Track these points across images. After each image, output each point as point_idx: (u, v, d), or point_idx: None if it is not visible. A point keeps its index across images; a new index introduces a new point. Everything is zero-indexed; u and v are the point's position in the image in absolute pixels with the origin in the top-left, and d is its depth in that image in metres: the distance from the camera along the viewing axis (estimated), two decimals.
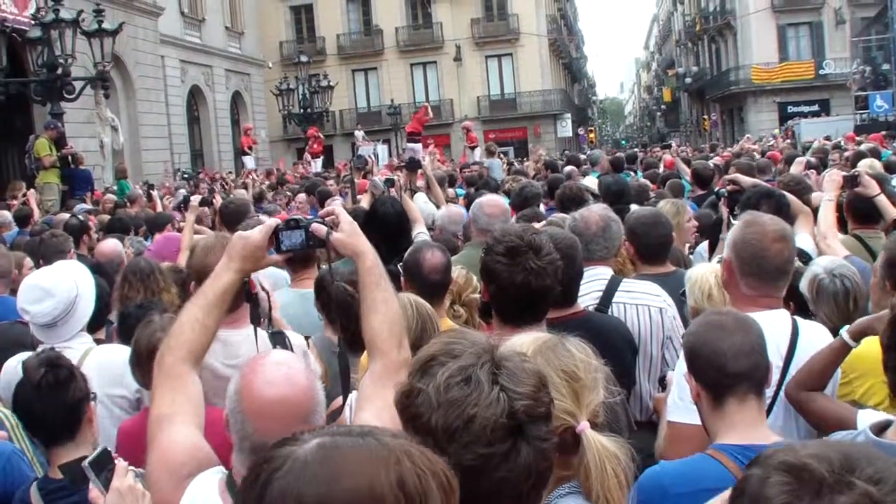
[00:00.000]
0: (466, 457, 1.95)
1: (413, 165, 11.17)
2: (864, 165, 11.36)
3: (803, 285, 4.92)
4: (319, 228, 3.21)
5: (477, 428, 1.96)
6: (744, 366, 3.21)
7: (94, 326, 5.45)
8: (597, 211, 5.43)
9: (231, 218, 8.91)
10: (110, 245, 8.21)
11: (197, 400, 3.07)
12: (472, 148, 29.15)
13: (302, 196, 14.75)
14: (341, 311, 5.02)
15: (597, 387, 2.60)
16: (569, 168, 16.53)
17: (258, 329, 5.03)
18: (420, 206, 9.45)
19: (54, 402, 3.88)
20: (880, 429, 2.86)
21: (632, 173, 16.08)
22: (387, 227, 6.82)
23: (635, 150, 31.03)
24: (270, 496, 1.58)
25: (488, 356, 2.11)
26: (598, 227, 5.22)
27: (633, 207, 8.52)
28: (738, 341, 3.23)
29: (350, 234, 3.25)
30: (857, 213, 6.75)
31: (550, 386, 2.37)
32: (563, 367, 2.58)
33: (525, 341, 2.69)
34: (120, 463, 3.09)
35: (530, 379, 2.10)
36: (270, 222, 3.23)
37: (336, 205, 3.41)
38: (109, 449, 3.16)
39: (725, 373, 3.20)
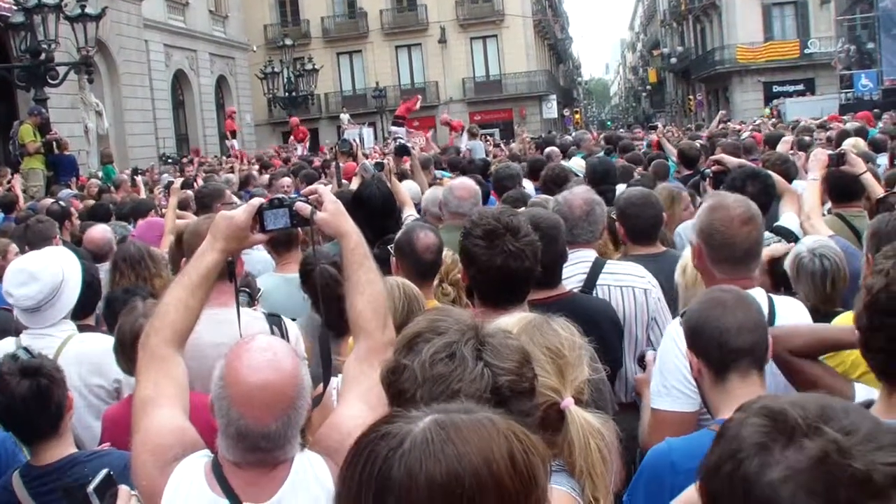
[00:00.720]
0: None
1: (401, 151, 11.19)
2: (849, 144, 11.42)
3: (786, 263, 4.96)
4: (304, 207, 3.20)
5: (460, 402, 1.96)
6: (746, 341, 3.23)
7: (82, 313, 5.44)
8: (580, 194, 5.42)
9: (206, 202, 8.94)
10: (99, 231, 8.17)
11: (182, 382, 3.08)
12: (460, 134, 29.08)
13: (286, 180, 14.68)
14: (325, 294, 5.05)
15: (581, 364, 2.63)
16: (549, 149, 16.55)
17: (258, 310, 5.09)
18: (412, 189, 9.46)
19: (37, 410, 3.85)
20: (864, 407, 2.88)
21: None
22: (372, 210, 6.81)
23: (620, 131, 30.92)
24: (397, 474, 1.61)
25: (473, 333, 2.13)
26: (582, 211, 5.22)
27: (619, 188, 8.54)
28: (741, 317, 3.26)
29: (334, 214, 3.25)
30: (838, 192, 6.73)
31: (535, 363, 2.42)
32: (547, 344, 2.60)
33: (510, 321, 2.71)
34: (122, 488, 3.07)
35: (514, 355, 2.12)
36: (254, 202, 3.23)
37: (319, 185, 3.41)
38: (112, 473, 3.14)
39: (728, 349, 3.22)
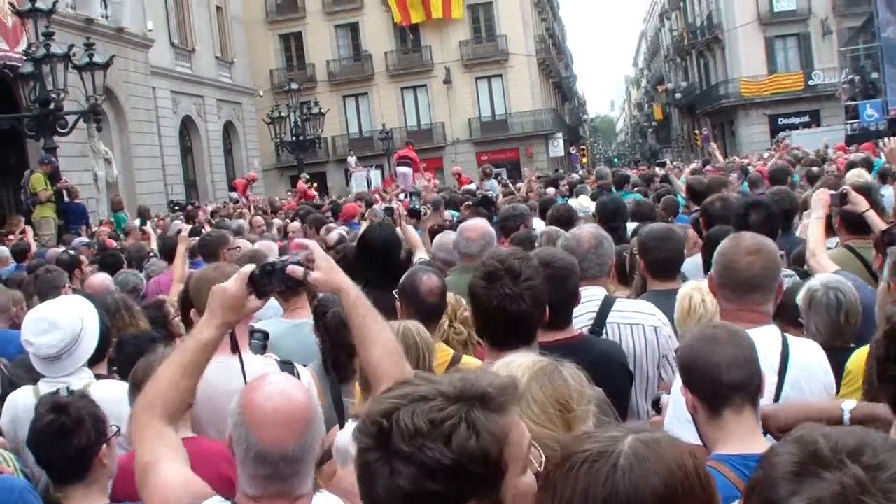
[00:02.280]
0: None
1: (413, 214, 11.18)
2: (853, 175, 11.43)
3: (799, 297, 4.96)
4: (296, 270, 3.18)
5: None
6: (738, 377, 3.25)
7: (94, 360, 5.45)
8: (588, 229, 5.48)
9: (208, 250, 8.97)
10: (99, 279, 8.31)
11: (177, 444, 3.11)
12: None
13: (295, 224, 14.71)
14: (334, 338, 5.08)
15: (588, 418, 2.65)
16: (550, 190, 16.65)
17: (270, 356, 5.11)
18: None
19: (58, 449, 3.88)
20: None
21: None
22: (373, 253, 6.86)
23: (625, 169, 30.88)
24: (625, 488, 1.79)
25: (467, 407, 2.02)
26: (591, 245, 5.23)
27: (630, 226, 8.57)
28: (732, 353, 3.27)
29: (327, 272, 3.24)
30: (848, 224, 6.78)
31: (543, 416, 2.52)
32: (557, 396, 2.62)
33: (523, 363, 2.72)
34: None
35: (502, 417, 2.04)
36: (245, 269, 3.22)
37: (312, 242, 3.38)
38: None
39: (721, 384, 3.23)
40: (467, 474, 1.92)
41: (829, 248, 6.52)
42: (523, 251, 4.21)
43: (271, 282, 3.19)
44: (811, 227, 6.29)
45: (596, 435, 1.93)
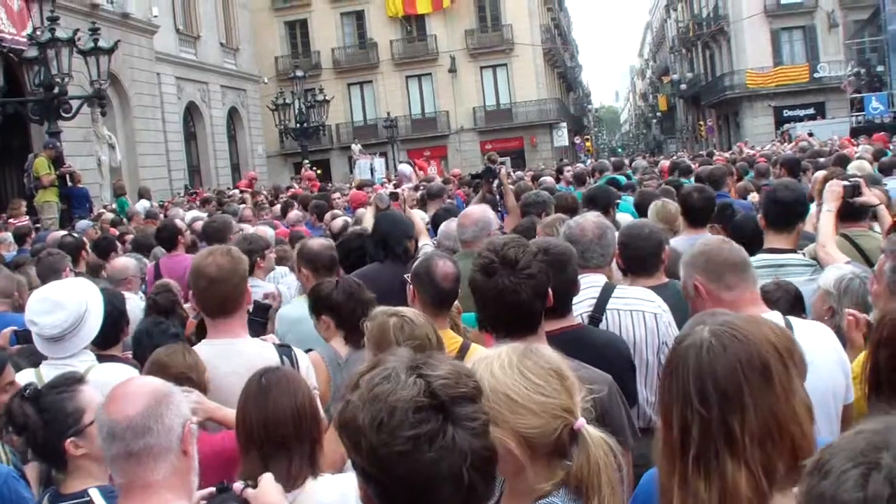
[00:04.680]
0: (396, 443, 2.00)
1: (392, 197, 11.24)
2: (853, 167, 11.39)
3: (826, 284, 4.94)
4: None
5: (400, 413, 2.01)
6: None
7: (106, 342, 5.50)
8: (591, 218, 5.42)
9: (214, 235, 9.02)
10: (122, 262, 8.43)
11: None
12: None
13: (295, 213, 14.53)
14: (346, 306, 5.14)
15: (580, 385, 2.66)
16: (543, 179, 16.67)
17: (268, 340, 5.13)
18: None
19: (26, 440, 4.04)
20: None
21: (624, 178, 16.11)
22: (387, 236, 7.08)
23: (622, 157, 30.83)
24: (706, 360, 2.35)
25: (410, 359, 2.15)
26: (594, 234, 5.21)
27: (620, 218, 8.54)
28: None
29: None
30: (843, 211, 6.72)
31: (548, 387, 2.52)
32: (551, 367, 2.62)
33: (502, 349, 2.72)
34: None
35: (448, 366, 2.14)
36: (198, 494, 3.24)
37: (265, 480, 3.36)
38: None
39: None
40: None
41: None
42: (521, 239, 4.15)
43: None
44: (822, 219, 6.23)
45: (684, 335, 2.49)
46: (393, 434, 1.99)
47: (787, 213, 6.24)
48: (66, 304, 4.96)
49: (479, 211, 7.42)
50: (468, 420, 2.05)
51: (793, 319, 4.10)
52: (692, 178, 12.96)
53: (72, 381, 4.04)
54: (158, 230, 10.85)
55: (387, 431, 2.00)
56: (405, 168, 24.04)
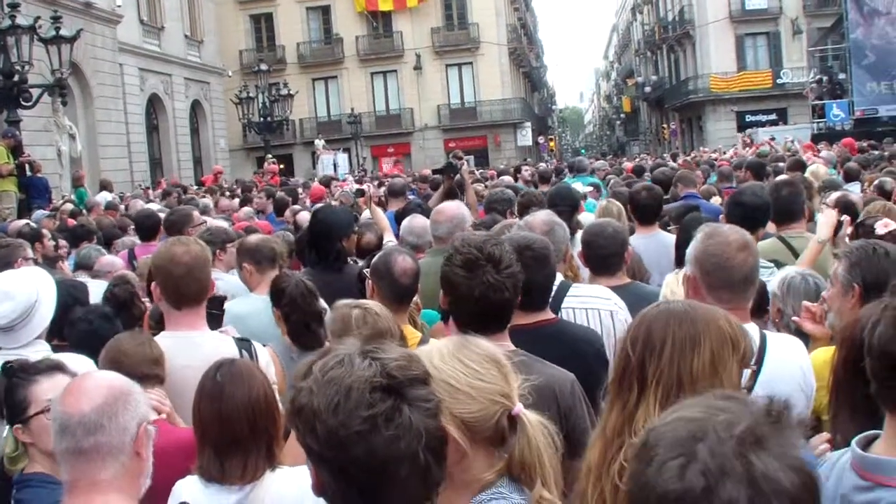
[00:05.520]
0: (353, 423, 2.03)
1: (358, 194, 11.19)
2: (810, 172, 11.49)
3: (773, 285, 4.94)
4: None
5: (356, 393, 2.05)
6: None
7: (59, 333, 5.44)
8: (541, 216, 5.45)
9: (176, 227, 8.99)
10: (108, 260, 8.53)
11: None
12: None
13: (245, 210, 14.56)
14: (293, 307, 5.06)
15: (517, 373, 2.73)
16: (506, 178, 16.75)
17: (228, 334, 5.07)
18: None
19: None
20: (866, 442, 2.77)
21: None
22: (319, 235, 7.02)
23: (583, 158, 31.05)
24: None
25: (360, 347, 2.19)
26: (542, 231, 5.15)
27: (583, 218, 8.55)
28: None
29: None
30: (778, 213, 6.71)
31: (485, 373, 2.61)
32: (486, 355, 2.69)
33: (441, 342, 2.82)
34: None
35: (398, 351, 2.20)
36: None
37: None
38: None
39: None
40: None
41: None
42: (496, 237, 4.11)
43: None
44: (810, 245, 5.97)
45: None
46: (350, 415, 2.03)
47: (751, 216, 6.25)
48: (15, 294, 4.93)
49: (453, 207, 7.30)
50: (422, 401, 2.11)
51: (768, 333, 4.06)
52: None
53: (44, 369, 3.97)
54: (139, 219, 10.87)
55: (344, 413, 2.03)
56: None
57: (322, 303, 5.25)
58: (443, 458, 2.19)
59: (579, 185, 12.74)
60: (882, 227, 5.58)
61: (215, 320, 5.26)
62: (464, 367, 2.62)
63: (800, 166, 13.77)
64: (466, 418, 2.56)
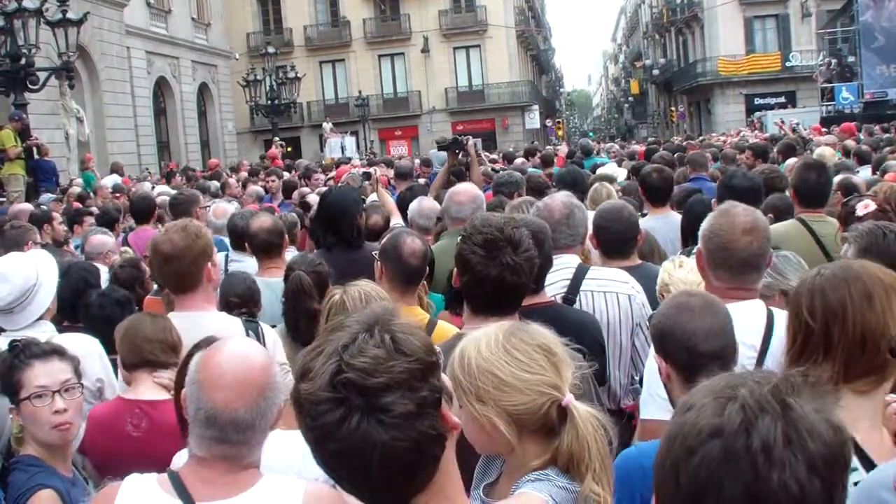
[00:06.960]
0: (312, 427, 1.97)
1: (365, 177, 11.15)
2: (818, 155, 11.44)
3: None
4: None
5: (314, 398, 1.95)
6: (714, 346, 3.24)
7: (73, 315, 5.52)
8: (560, 198, 5.38)
9: (182, 209, 8.99)
10: (98, 239, 8.38)
11: None
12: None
13: (253, 188, 14.60)
14: (291, 301, 5.02)
15: (570, 360, 2.64)
16: (520, 161, 16.66)
17: (234, 315, 5.06)
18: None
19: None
20: None
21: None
22: (329, 216, 6.94)
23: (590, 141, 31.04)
24: None
25: (349, 338, 2.02)
26: (562, 214, 5.16)
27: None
28: (709, 322, 3.27)
29: None
30: (802, 196, 6.67)
31: (532, 363, 2.52)
32: (538, 343, 2.60)
33: (491, 328, 2.68)
34: None
35: (377, 350, 1.99)
36: None
37: None
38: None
39: (698, 353, 3.22)
40: None
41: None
42: (514, 218, 4.07)
43: None
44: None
45: None
46: (313, 417, 1.96)
47: (740, 200, 6.20)
48: (12, 277, 5.00)
49: (471, 188, 7.25)
50: (381, 411, 1.92)
51: (775, 310, 4.01)
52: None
53: (41, 353, 3.99)
54: (134, 202, 10.88)
55: (310, 416, 1.97)
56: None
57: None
58: (411, 468, 2.00)
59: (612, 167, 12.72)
60: (862, 208, 5.54)
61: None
62: (511, 357, 2.55)
63: (791, 150, 13.80)
64: (513, 411, 2.51)
